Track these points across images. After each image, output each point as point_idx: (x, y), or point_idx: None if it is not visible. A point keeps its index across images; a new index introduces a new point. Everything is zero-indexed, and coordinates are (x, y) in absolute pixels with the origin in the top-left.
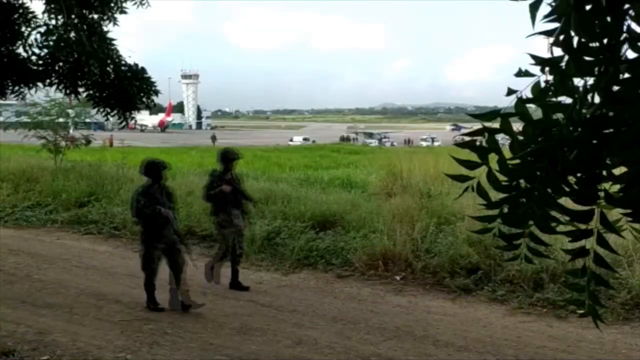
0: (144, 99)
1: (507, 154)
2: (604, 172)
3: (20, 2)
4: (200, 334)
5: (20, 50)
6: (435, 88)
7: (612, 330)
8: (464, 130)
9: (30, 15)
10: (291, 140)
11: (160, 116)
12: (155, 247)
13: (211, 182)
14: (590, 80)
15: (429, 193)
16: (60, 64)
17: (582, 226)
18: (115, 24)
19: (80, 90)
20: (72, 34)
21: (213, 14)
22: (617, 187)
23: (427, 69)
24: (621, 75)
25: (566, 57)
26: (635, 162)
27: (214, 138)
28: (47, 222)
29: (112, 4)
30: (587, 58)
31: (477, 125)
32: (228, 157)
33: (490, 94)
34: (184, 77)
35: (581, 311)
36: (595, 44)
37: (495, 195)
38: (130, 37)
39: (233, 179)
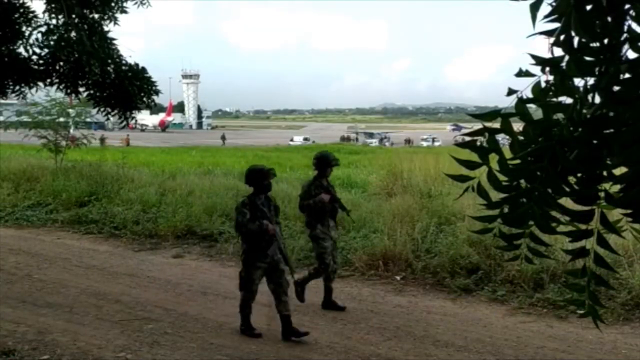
0: (145, 99)
1: (508, 154)
2: (604, 172)
3: (21, 1)
4: (200, 334)
5: (21, 49)
6: (435, 88)
7: (612, 330)
8: (464, 131)
9: (31, 14)
10: (291, 140)
11: (161, 116)
12: (257, 266)
13: (307, 191)
14: (591, 81)
15: (429, 193)
16: (61, 63)
17: (583, 226)
18: (115, 23)
19: (81, 89)
20: (73, 34)
21: (213, 14)
22: (617, 187)
23: (428, 69)
24: (622, 76)
25: (567, 57)
26: (635, 162)
27: (223, 138)
28: (48, 221)
29: (113, 4)
30: (587, 58)
31: (478, 126)
32: (325, 162)
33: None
34: (185, 76)
35: (581, 311)
36: (596, 44)
37: (495, 195)
38: (130, 37)
39: (330, 187)
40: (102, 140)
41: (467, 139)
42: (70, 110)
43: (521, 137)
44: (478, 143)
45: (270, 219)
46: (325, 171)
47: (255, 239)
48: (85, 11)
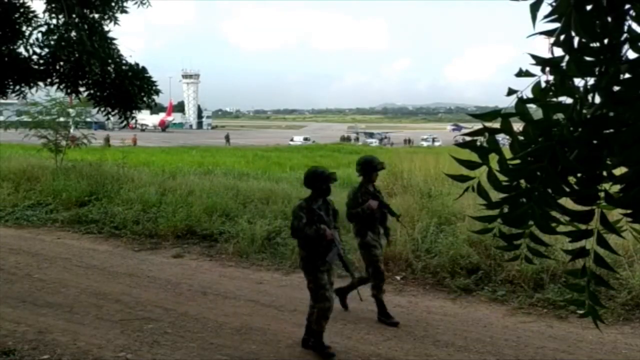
0: (145, 99)
1: (508, 154)
2: (604, 172)
3: (21, 1)
4: (200, 334)
5: (21, 49)
6: (435, 88)
7: (612, 330)
8: (464, 130)
9: (31, 14)
10: (292, 140)
11: (161, 116)
12: (321, 270)
13: (354, 199)
14: (591, 81)
15: (429, 193)
16: (61, 63)
17: (582, 226)
18: (116, 23)
19: (81, 89)
20: (73, 34)
21: (214, 13)
22: (617, 187)
23: (428, 69)
24: (622, 76)
25: (567, 57)
26: (635, 162)
27: (227, 138)
28: (48, 221)
29: (113, 4)
30: (587, 58)
31: (478, 126)
32: (370, 166)
33: (491, 94)
34: (185, 76)
35: (581, 311)
36: (596, 44)
37: (495, 195)
38: (131, 37)
39: (377, 192)
40: (107, 140)
41: (467, 139)
42: (71, 110)
43: (521, 137)
44: (478, 143)
45: (328, 224)
46: (371, 176)
47: (313, 244)
48: (85, 11)
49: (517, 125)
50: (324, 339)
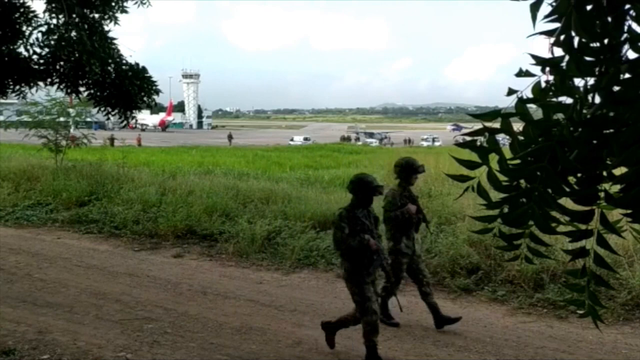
0: (145, 99)
1: (508, 154)
2: (604, 172)
3: (21, 1)
4: (200, 334)
5: (22, 49)
6: (435, 88)
7: (612, 330)
8: (464, 130)
9: (32, 14)
10: (292, 139)
11: (161, 115)
12: (366, 282)
13: (392, 201)
14: (591, 81)
15: (429, 193)
16: (61, 63)
17: (582, 226)
18: (116, 23)
19: (81, 89)
20: (73, 33)
21: (214, 13)
22: (617, 187)
23: (428, 69)
24: (622, 76)
25: (567, 57)
26: (635, 162)
27: (230, 137)
28: (48, 221)
29: (113, 3)
30: (587, 58)
31: (478, 126)
32: (411, 169)
33: (491, 94)
34: (185, 76)
35: (581, 311)
36: (596, 44)
37: (495, 195)
38: (131, 37)
39: (415, 196)
40: (112, 140)
41: (467, 139)
42: (71, 110)
43: (521, 137)
44: (478, 143)
45: (372, 233)
46: (411, 179)
47: (357, 255)
48: (85, 11)
49: (517, 125)
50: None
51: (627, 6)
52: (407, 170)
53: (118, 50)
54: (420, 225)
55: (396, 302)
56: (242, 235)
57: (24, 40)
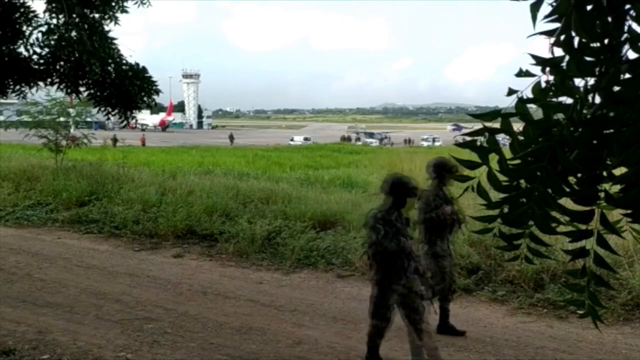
0: (145, 99)
1: (508, 154)
2: (604, 172)
3: (21, 1)
4: (200, 334)
5: (22, 49)
6: (436, 88)
7: (612, 330)
8: (464, 130)
9: (32, 14)
10: (292, 139)
11: (161, 115)
12: (393, 290)
13: (427, 203)
14: (591, 81)
15: None
16: (62, 63)
17: (582, 227)
18: (116, 23)
19: (81, 89)
20: (73, 33)
21: (214, 13)
22: (617, 187)
23: (428, 69)
24: (622, 76)
25: (567, 58)
26: (635, 162)
27: (231, 137)
28: (48, 221)
29: (113, 3)
30: (587, 58)
31: (478, 125)
32: (446, 169)
33: (491, 94)
34: (185, 76)
35: (581, 312)
36: (596, 45)
37: (495, 196)
38: (131, 37)
39: (449, 197)
40: (115, 140)
41: (467, 139)
42: (71, 110)
43: (521, 137)
44: (478, 143)
45: (406, 236)
46: (445, 179)
47: (391, 259)
48: (85, 11)
49: (517, 125)
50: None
51: (627, 6)
52: (442, 170)
53: (118, 50)
54: (455, 227)
55: (432, 308)
56: (242, 235)
57: (24, 40)
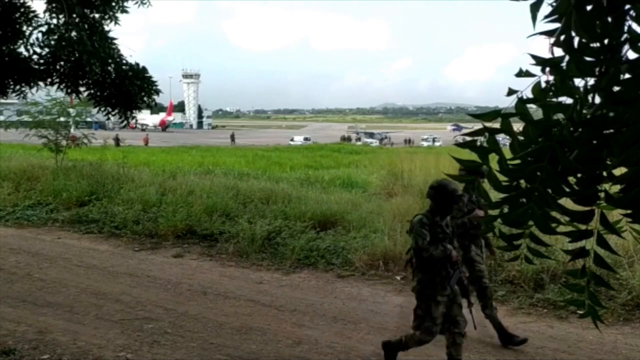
0: (145, 99)
1: (508, 154)
2: (604, 172)
3: (21, 1)
4: (200, 334)
5: (22, 49)
6: (436, 88)
7: (612, 330)
8: (464, 130)
9: (32, 14)
10: (292, 139)
11: (161, 115)
12: (438, 301)
13: (459, 208)
14: (591, 81)
15: None
16: (62, 63)
17: (582, 227)
18: (116, 23)
19: (82, 89)
20: (74, 33)
21: (214, 13)
22: (617, 187)
23: (428, 69)
24: (622, 76)
25: (567, 58)
26: (635, 162)
27: (233, 137)
28: (48, 221)
29: (114, 3)
30: (587, 58)
31: (478, 125)
32: (477, 173)
33: (491, 94)
34: (185, 76)
35: (581, 312)
36: (596, 45)
37: (495, 195)
38: (131, 37)
39: (480, 201)
40: (117, 140)
41: (467, 139)
42: (71, 110)
43: (521, 137)
44: (478, 143)
45: (452, 242)
46: (474, 181)
47: (435, 266)
48: (85, 11)
49: (517, 125)
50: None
51: (627, 6)
52: (473, 174)
53: (118, 50)
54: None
55: (470, 318)
56: (242, 235)
57: (24, 40)
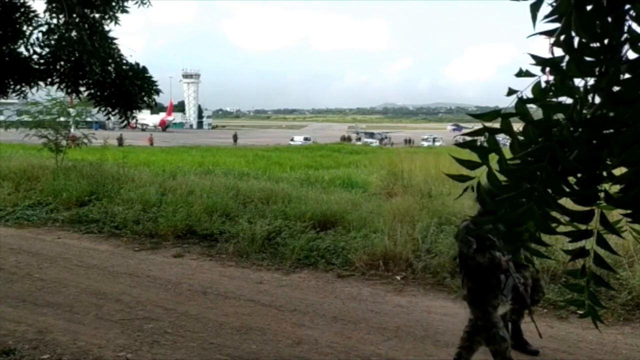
0: (145, 98)
1: (508, 154)
2: (604, 172)
3: (21, 1)
4: (200, 334)
5: (22, 49)
6: (436, 88)
7: (612, 331)
8: (464, 130)
9: (32, 14)
10: (292, 139)
11: (161, 115)
12: (494, 307)
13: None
14: (591, 81)
15: (429, 193)
16: (62, 63)
17: (582, 227)
18: (116, 23)
19: (82, 89)
20: (74, 33)
21: (214, 13)
22: (617, 187)
23: (428, 69)
24: (622, 76)
25: (567, 58)
26: (635, 163)
27: (235, 137)
28: (48, 221)
29: (114, 3)
30: (587, 58)
31: (478, 125)
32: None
33: (491, 94)
34: (185, 76)
35: (581, 312)
36: (596, 45)
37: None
38: (131, 37)
39: None
40: (120, 140)
41: (467, 138)
42: (71, 110)
43: (521, 137)
44: (478, 143)
45: (501, 249)
46: None
47: (484, 275)
48: (86, 11)
49: (517, 125)
50: None
51: (627, 6)
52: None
53: (118, 50)
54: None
55: (535, 328)
56: (242, 235)
57: (25, 40)
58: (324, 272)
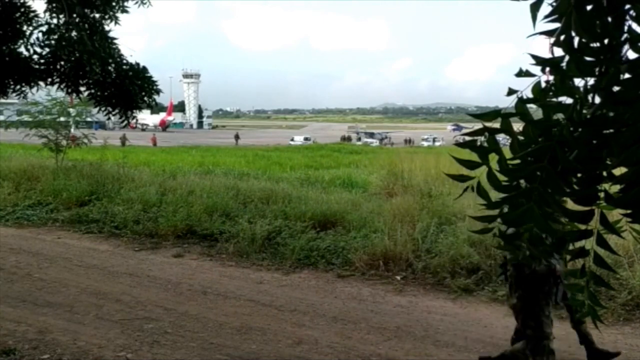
0: (145, 98)
1: (508, 154)
2: (604, 172)
3: (22, 1)
4: (200, 334)
5: (22, 49)
6: (436, 88)
7: (612, 330)
8: (464, 130)
9: (32, 14)
10: (292, 139)
11: (162, 115)
12: (547, 316)
13: None
14: (591, 81)
15: (429, 193)
16: (62, 63)
17: (582, 226)
18: (116, 23)
19: (82, 89)
20: (74, 33)
21: (214, 13)
22: (617, 187)
23: (428, 69)
24: (622, 76)
25: (567, 58)
26: (635, 163)
27: (237, 137)
28: (48, 221)
29: (114, 3)
30: (587, 58)
31: (478, 125)
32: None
33: (491, 94)
34: (185, 76)
35: (581, 312)
36: (596, 45)
37: (495, 195)
38: (131, 36)
39: None
40: (123, 140)
41: (467, 138)
42: (71, 110)
43: (521, 137)
44: (478, 143)
45: (554, 255)
46: None
47: (537, 282)
48: (86, 10)
49: (517, 125)
50: None
51: (627, 6)
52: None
53: (118, 50)
54: None
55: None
56: (242, 235)
57: (25, 40)
58: (324, 272)
